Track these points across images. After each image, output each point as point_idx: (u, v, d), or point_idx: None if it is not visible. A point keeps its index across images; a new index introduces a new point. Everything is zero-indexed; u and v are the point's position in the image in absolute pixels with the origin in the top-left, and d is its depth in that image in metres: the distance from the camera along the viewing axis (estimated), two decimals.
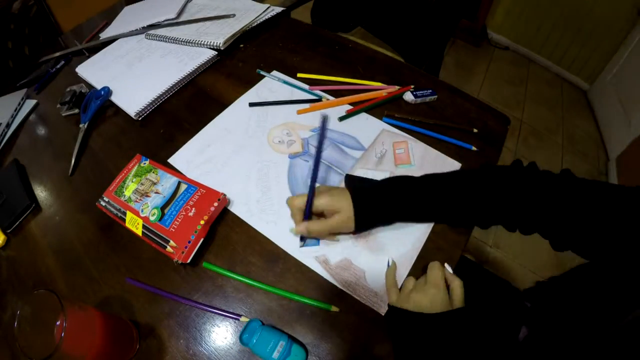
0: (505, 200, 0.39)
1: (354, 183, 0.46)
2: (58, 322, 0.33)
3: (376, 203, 0.43)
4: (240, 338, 0.39)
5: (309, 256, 0.46)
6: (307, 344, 0.40)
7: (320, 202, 0.42)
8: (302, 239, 0.47)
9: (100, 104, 0.66)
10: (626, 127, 1.56)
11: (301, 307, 0.43)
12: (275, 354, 0.37)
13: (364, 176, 0.51)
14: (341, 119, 0.60)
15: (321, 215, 0.44)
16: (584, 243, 0.36)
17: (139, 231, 0.48)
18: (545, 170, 0.40)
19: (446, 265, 0.42)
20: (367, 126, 0.60)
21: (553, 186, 0.38)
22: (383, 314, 0.41)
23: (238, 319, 0.42)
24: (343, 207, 0.42)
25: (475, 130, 0.58)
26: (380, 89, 0.65)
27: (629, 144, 1.50)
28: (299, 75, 0.68)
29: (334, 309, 0.41)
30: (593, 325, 0.36)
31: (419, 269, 0.45)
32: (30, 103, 0.72)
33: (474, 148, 0.55)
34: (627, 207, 0.33)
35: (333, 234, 0.46)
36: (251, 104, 0.63)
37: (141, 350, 0.41)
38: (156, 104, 0.66)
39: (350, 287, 0.43)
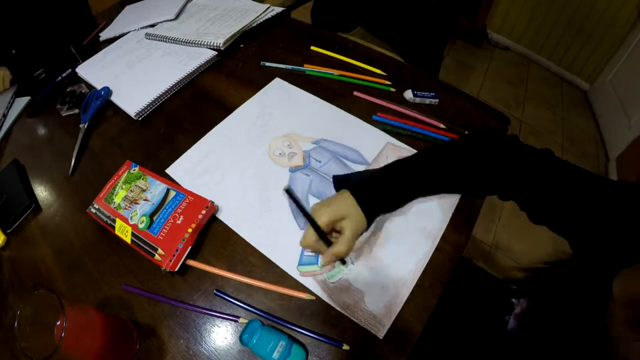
0: (488, 167, 0.41)
1: (346, 184, 0.45)
2: (58, 322, 0.33)
3: (377, 192, 0.42)
4: (240, 338, 0.39)
5: (307, 276, 0.45)
6: (307, 344, 0.40)
7: (325, 219, 0.40)
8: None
9: (100, 104, 0.66)
10: (626, 127, 1.56)
11: (301, 307, 0.43)
12: (275, 354, 0.37)
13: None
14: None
15: (332, 231, 0.42)
16: (556, 218, 0.37)
17: (127, 239, 0.48)
18: (528, 145, 0.41)
19: None
20: (371, 140, 0.58)
21: (533, 159, 0.39)
22: (381, 337, 0.40)
23: (237, 320, 0.42)
24: (348, 211, 0.40)
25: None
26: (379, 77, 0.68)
27: (629, 144, 1.49)
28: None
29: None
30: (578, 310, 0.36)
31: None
32: (24, 99, 0.73)
33: None
34: (599, 193, 0.35)
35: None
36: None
37: (141, 350, 0.41)
38: (156, 104, 0.66)
39: (349, 309, 0.42)
